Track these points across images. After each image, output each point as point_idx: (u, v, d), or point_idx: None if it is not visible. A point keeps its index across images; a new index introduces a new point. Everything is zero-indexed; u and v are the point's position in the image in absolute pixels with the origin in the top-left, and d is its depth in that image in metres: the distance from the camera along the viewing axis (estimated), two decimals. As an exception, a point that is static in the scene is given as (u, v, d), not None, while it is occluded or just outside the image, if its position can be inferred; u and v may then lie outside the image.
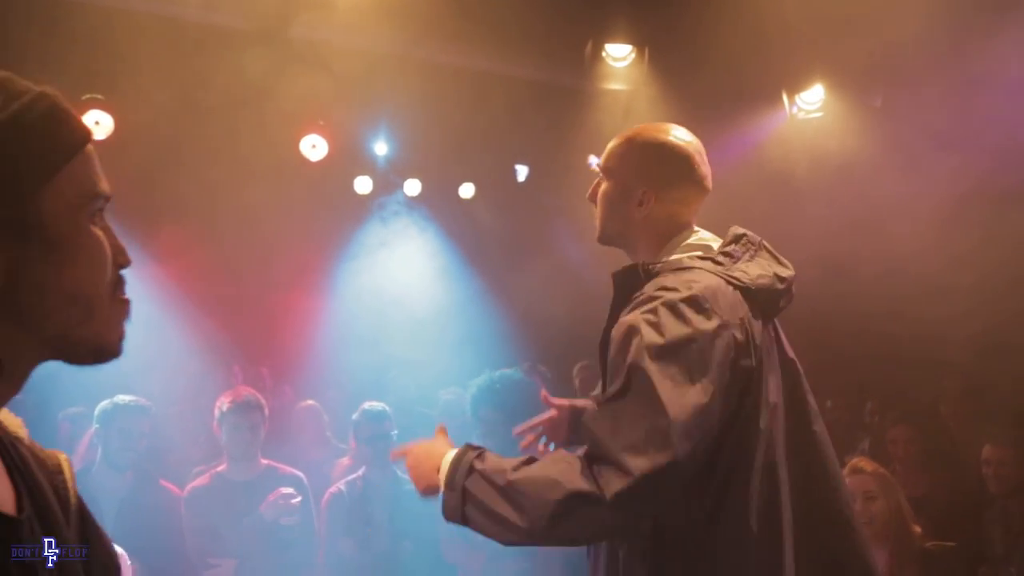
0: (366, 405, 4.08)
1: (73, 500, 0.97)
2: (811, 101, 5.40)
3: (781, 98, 5.44)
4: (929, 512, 3.73)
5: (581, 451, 1.63)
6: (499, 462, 1.68)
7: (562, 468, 1.57)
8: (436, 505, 3.80)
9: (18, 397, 0.90)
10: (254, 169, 5.99)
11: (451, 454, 1.75)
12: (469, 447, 1.76)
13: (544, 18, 4.64)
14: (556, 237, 7.05)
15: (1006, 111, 4.52)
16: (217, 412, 3.69)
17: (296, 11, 5.13)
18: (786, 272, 1.84)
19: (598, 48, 4.69)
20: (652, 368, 1.54)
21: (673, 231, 1.87)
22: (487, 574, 3.75)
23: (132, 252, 0.94)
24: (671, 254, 1.84)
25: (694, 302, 1.62)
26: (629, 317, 1.65)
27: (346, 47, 5.46)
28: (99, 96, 5.76)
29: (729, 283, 1.71)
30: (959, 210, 4.82)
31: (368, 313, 6.20)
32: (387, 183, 7.19)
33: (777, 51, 5.05)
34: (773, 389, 1.73)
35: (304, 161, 6.27)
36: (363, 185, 7.15)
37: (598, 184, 1.94)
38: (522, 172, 7.13)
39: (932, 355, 4.84)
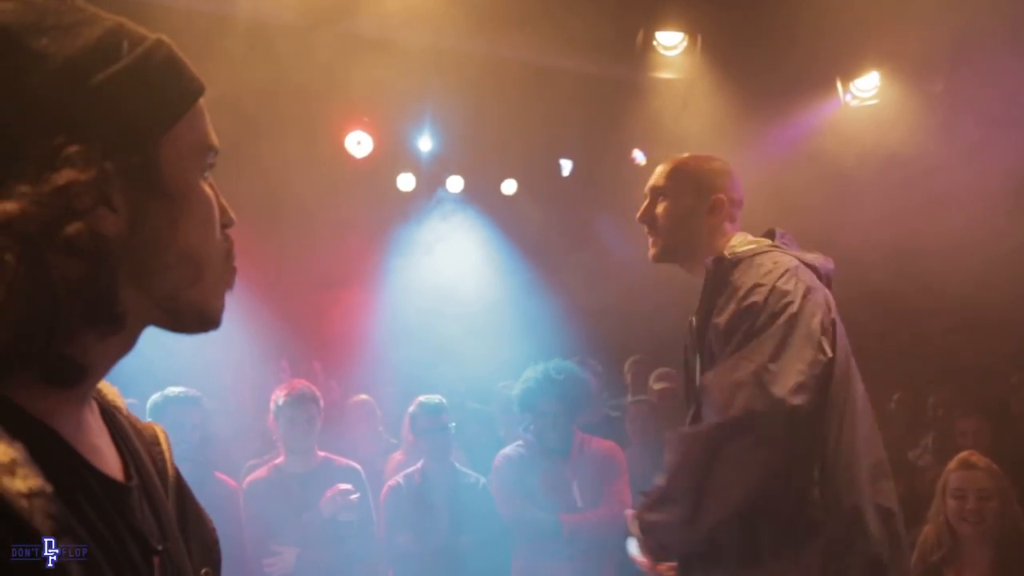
0: (423, 398, 4.04)
1: (171, 472, 0.95)
2: (866, 88, 5.28)
3: (835, 86, 5.32)
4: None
5: None
6: None
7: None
8: (499, 499, 3.73)
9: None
10: (301, 166, 6.01)
11: None
12: None
13: (593, 7, 4.58)
14: (601, 231, 6.99)
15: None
16: (273, 405, 3.69)
17: (342, 7, 5.14)
18: (827, 263, 2.18)
19: (649, 37, 4.60)
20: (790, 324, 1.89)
21: (728, 237, 2.16)
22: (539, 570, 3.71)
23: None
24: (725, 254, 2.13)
25: (795, 272, 1.97)
26: (756, 292, 1.95)
27: (390, 43, 5.45)
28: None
29: (800, 261, 2.04)
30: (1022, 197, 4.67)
31: (415, 308, 6.19)
32: (431, 180, 7.19)
33: (831, 38, 4.94)
34: (842, 346, 2.01)
35: (349, 158, 6.29)
36: (406, 182, 7.16)
37: (651, 205, 2.19)
38: (566, 167, 7.07)
39: (1000, 348, 4.70)
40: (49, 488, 0.66)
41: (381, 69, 5.43)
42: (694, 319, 2.16)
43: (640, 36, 4.60)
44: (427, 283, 6.45)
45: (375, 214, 6.72)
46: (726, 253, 2.08)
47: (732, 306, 1.95)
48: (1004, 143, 4.73)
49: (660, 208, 2.17)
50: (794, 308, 1.89)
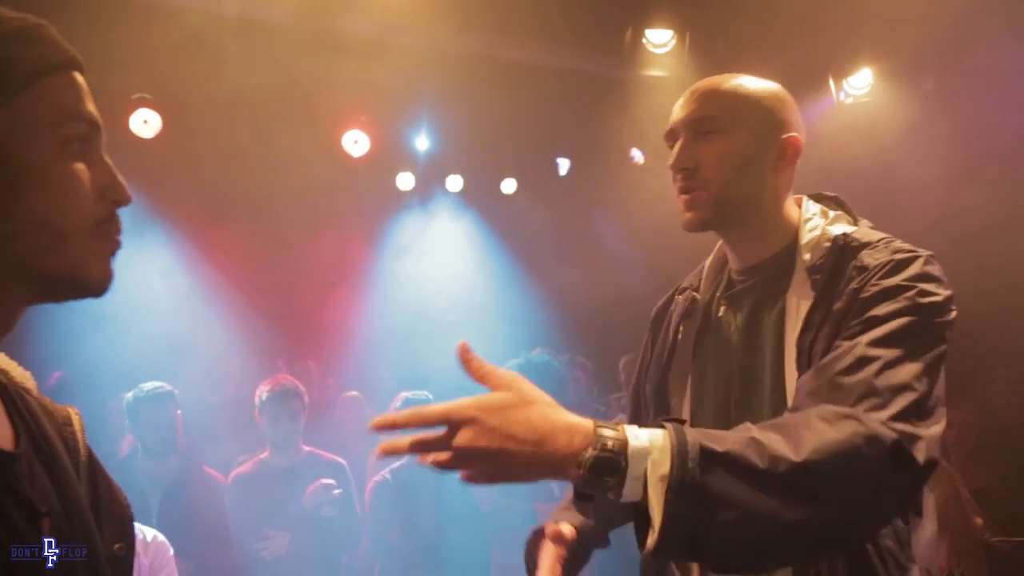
0: (408, 394, 4.11)
1: (83, 452, 0.97)
2: (859, 86, 5.27)
3: (828, 83, 5.31)
4: (992, 506, 3.58)
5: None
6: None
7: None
8: (479, 491, 3.76)
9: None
10: (298, 166, 6.06)
11: (626, 433, 1.07)
12: (666, 422, 1.10)
13: (582, 5, 4.59)
14: (598, 230, 6.99)
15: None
16: (257, 400, 3.74)
17: (338, 6, 5.17)
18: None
19: (638, 35, 4.61)
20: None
21: (797, 200, 1.59)
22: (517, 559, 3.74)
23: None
24: (809, 227, 1.53)
25: (933, 263, 1.41)
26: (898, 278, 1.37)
27: (387, 42, 5.48)
28: (147, 95, 5.88)
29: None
30: (1014, 194, 4.64)
31: (412, 306, 6.22)
32: (429, 179, 7.22)
33: (823, 35, 4.93)
34: None
35: (346, 157, 6.32)
36: (405, 181, 7.19)
37: (693, 145, 1.52)
38: (564, 165, 7.08)
39: (981, 345, 4.67)
40: None
41: (377, 69, 5.47)
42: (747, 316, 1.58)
43: (629, 34, 4.61)
44: (425, 281, 6.48)
45: (373, 212, 6.76)
46: (836, 232, 1.50)
47: (879, 285, 1.36)
48: (997, 138, 4.70)
49: (708, 150, 1.50)
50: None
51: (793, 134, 1.53)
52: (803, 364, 1.40)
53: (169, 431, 3.68)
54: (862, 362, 1.25)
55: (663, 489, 1.01)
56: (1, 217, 0.81)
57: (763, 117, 1.52)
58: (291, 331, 5.62)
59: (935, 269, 1.39)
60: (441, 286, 6.55)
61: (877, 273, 1.38)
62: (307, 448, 3.83)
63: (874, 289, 1.36)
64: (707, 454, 1.04)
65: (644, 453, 1.04)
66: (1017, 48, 4.54)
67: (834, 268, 1.45)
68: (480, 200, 7.34)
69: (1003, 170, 4.61)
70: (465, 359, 1.12)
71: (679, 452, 1.03)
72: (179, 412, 3.98)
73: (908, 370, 1.25)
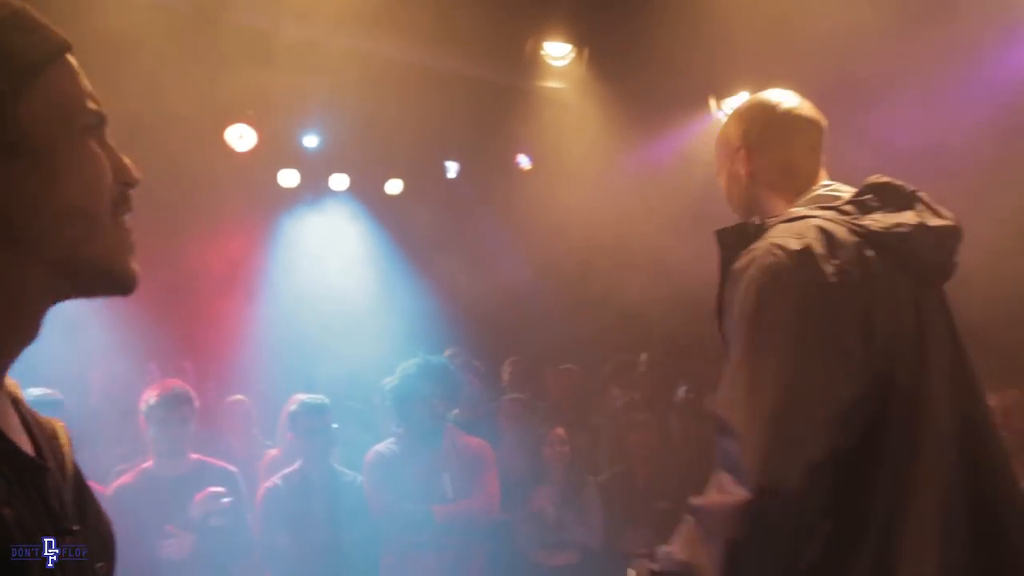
0: (305, 397, 4.01)
1: (70, 467, 0.94)
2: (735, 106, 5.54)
3: (709, 103, 5.60)
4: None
5: None
6: None
7: None
8: (371, 494, 3.68)
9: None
10: (179, 159, 5.78)
11: None
12: None
13: (483, 14, 4.64)
14: (484, 232, 7.06)
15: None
16: (144, 406, 3.54)
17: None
18: (938, 221, 1.55)
19: (537, 46, 4.71)
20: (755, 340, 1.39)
21: (793, 185, 1.70)
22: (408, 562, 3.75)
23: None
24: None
25: (803, 253, 1.42)
26: (742, 282, 1.46)
27: (278, 36, 5.34)
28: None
29: (853, 232, 1.49)
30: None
31: (296, 307, 6.07)
32: (315, 177, 7.07)
33: (708, 56, 5.17)
34: (936, 359, 1.48)
35: (230, 151, 6.09)
36: (289, 178, 7.01)
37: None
38: (452, 168, 7.11)
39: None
40: None
41: (267, 64, 5.31)
42: None
43: (529, 44, 4.69)
44: (309, 281, 6.34)
45: (256, 209, 6.54)
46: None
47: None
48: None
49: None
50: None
51: (738, 150, 1.76)
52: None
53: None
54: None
55: None
56: (33, 212, 0.78)
57: (724, 152, 1.81)
58: (166, 333, 5.34)
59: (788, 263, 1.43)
60: (327, 286, 6.43)
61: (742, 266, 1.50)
62: (195, 456, 3.67)
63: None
64: None
65: None
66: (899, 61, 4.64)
67: (733, 253, 1.57)
68: (366, 199, 7.26)
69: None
70: None
71: None
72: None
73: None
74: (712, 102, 5.66)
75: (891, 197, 1.57)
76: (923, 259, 1.53)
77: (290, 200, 7.10)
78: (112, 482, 3.58)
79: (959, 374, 1.52)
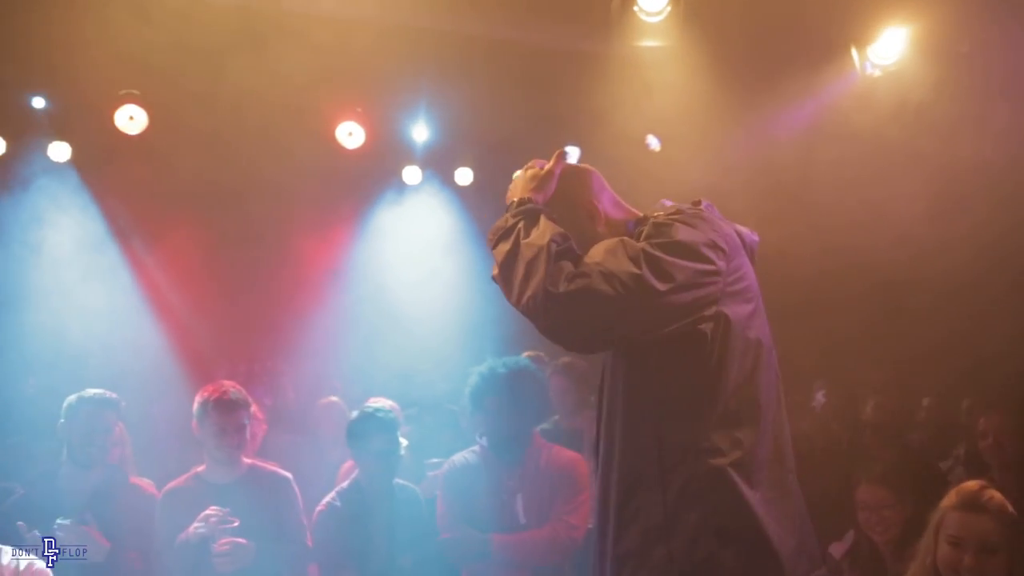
0: (369, 405, 3.69)
1: None
2: (884, 54, 4.68)
3: (849, 53, 4.75)
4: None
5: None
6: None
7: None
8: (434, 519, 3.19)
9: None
10: (289, 158, 5.82)
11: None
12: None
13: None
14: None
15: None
16: (197, 408, 3.43)
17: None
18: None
19: (628, 2, 4.15)
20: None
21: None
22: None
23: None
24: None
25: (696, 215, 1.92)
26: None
27: (374, 25, 5.16)
28: (135, 92, 5.72)
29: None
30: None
31: (396, 305, 5.90)
32: (438, 170, 6.89)
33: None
34: (761, 326, 1.90)
35: (341, 149, 6.04)
36: (411, 175, 6.89)
37: None
38: (574, 154, 6.64)
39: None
40: None
41: (378, 55, 5.13)
42: None
43: (617, 2, 4.15)
44: (415, 281, 6.13)
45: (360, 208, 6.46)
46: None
47: None
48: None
49: None
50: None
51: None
52: None
53: (103, 440, 3.43)
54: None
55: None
56: None
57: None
58: (261, 334, 5.34)
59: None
60: (443, 282, 6.21)
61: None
62: (248, 461, 3.52)
63: None
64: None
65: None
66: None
67: None
68: (490, 192, 6.99)
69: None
70: None
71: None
72: (120, 424, 3.74)
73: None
74: (853, 51, 4.82)
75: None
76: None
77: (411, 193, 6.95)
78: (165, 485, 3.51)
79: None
